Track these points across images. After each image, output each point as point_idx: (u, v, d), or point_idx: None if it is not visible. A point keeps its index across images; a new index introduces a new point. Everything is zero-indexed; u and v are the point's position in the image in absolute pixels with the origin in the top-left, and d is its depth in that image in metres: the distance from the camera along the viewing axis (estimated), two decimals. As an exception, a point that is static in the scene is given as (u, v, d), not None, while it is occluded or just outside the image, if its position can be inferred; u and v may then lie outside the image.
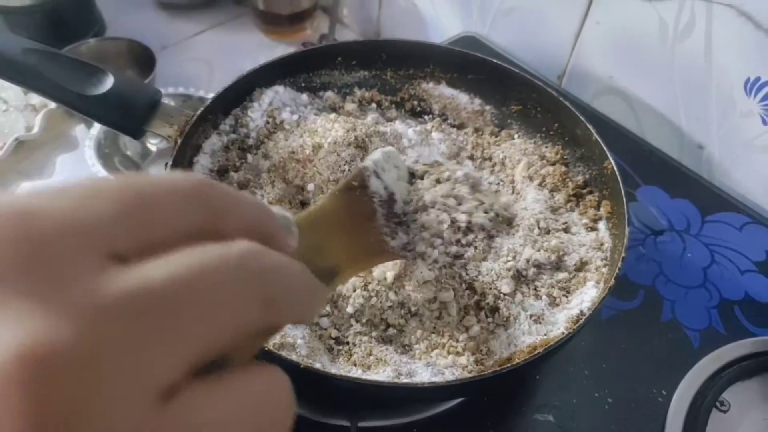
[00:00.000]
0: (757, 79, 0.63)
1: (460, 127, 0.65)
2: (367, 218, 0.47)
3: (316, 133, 0.57)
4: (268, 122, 0.60)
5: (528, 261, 0.50)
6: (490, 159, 0.62)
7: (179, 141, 0.52)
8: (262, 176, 0.56)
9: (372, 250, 0.46)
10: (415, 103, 0.67)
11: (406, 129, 0.61)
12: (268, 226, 0.22)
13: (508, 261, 0.50)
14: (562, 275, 0.51)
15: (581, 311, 0.47)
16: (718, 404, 0.52)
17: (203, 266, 0.17)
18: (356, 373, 0.42)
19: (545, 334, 0.47)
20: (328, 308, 0.49)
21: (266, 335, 0.23)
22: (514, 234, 0.52)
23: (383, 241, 0.47)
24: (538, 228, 0.53)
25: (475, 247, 0.50)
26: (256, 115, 0.60)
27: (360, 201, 0.47)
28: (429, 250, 0.49)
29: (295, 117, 0.61)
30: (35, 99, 0.88)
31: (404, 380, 0.43)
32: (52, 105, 0.87)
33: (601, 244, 0.53)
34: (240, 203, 0.21)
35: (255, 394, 0.18)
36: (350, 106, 0.65)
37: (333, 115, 0.60)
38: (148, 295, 0.16)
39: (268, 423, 0.19)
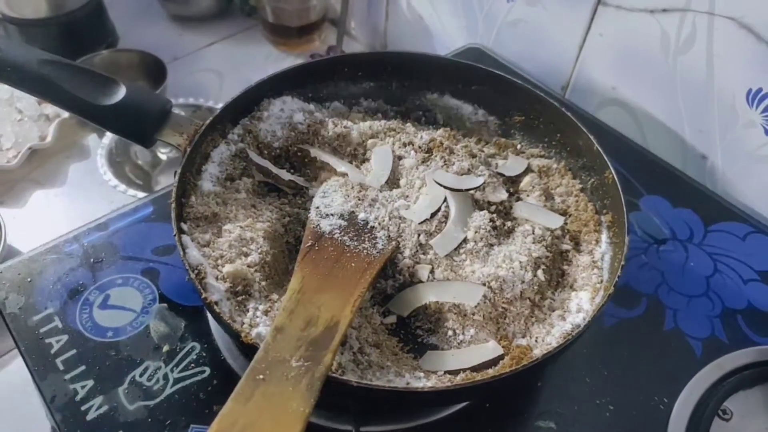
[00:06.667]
0: (759, 90, 0.64)
1: (465, 136, 0.66)
2: (337, 257, 0.47)
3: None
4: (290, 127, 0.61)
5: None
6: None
7: (188, 150, 0.53)
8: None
9: (357, 275, 0.46)
10: (420, 113, 0.68)
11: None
12: None
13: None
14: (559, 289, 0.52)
15: (581, 319, 0.47)
16: (720, 413, 0.52)
17: None
18: (356, 376, 0.43)
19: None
20: None
21: None
22: (511, 242, 0.53)
23: (364, 256, 0.48)
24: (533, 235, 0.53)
25: (475, 253, 0.50)
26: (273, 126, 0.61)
27: (325, 250, 0.48)
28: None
29: (307, 121, 0.62)
30: (49, 109, 0.90)
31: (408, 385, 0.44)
32: (65, 115, 0.89)
33: (602, 257, 0.54)
34: None
35: None
36: (357, 116, 0.66)
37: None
38: None
39: None
